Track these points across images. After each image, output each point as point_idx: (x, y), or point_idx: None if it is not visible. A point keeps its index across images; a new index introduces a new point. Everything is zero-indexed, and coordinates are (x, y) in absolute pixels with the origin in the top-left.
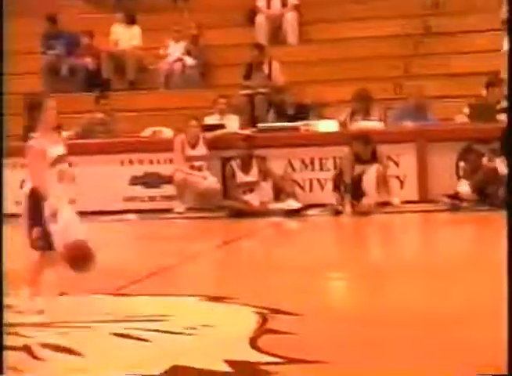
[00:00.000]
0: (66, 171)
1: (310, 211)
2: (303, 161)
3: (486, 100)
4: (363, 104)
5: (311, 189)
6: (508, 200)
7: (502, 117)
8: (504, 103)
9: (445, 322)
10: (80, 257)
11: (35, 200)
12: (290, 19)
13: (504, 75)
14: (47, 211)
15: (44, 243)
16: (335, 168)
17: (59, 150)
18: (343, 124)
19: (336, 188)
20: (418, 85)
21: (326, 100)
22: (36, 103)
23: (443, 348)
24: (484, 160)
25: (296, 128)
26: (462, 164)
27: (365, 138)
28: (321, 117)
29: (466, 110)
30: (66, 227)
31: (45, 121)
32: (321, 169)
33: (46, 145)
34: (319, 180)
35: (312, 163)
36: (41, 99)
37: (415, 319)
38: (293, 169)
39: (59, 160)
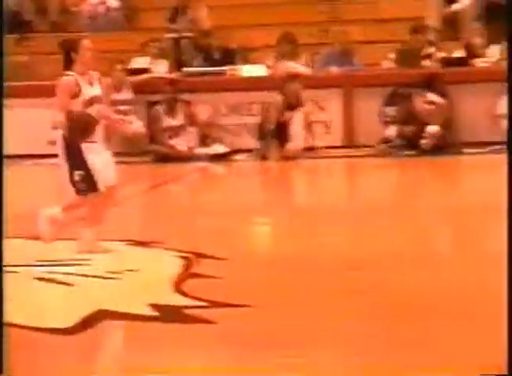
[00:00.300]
0: (104, 111)
1: (236, 156)
2: (229, 106)
3: (411, 46)
4: (290, 47)
5: (237, 134)
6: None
7: (427, 63)
8: (429, 49)
9: (369, 266)
10: (82, 122)
11: (70, 143)
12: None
13: (429, 21)
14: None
15: (86, 185)
16: (262, 112)
17: (96, 90)
18: (271, 68)
19: (261, 137)
20: (344, 30)
21: (252, 45)
22: (72, 43)
23: (366, 292)
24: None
25: (222, 73)
26: (387, 109)
27: (297, 79)
28: (247, 61)
29: (392, 56)
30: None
31: (81, 62)
32: (248, 114)
33: (79, 83)
34: (245, 125)
35: (239, 108)
36: (77, 39)
37: (340, 264)
38: (220, 114)
39: (94, 100)
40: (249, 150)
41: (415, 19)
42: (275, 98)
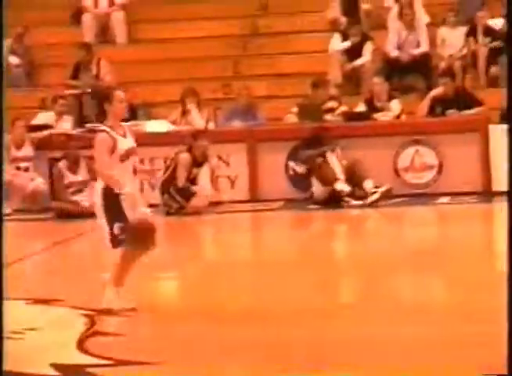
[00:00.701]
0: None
1: None
2: None
3: (312, 100)
4: (194, 101)
5: (141, 190)
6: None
7: (329, 117)
8: (330, 104)
9: (272, 319)
10: (143, 233)
11: (110, 196)
12: (118, 18)
13: (330, 76)
14: (126, 202)
15: (126, 236)
16: (166, 168)
17: (130, 142)
18: (175, 124)
19: (165, 192)
20: (247, 86)
21: (155, 100)
22: (105, 94)
23: (269, 345)
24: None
25: None
26: (292, 163)
27: (204, 135)
28: (150, 117)
29: (295, 110)
30: None
31: (115, 113)
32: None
33: (114, 137)
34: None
35: (142, 163)
36: (110, 90)
37: (245, 316)
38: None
39: (130, 152)
40: (152, 205)
41: (318, 74)
42: (183, 155)
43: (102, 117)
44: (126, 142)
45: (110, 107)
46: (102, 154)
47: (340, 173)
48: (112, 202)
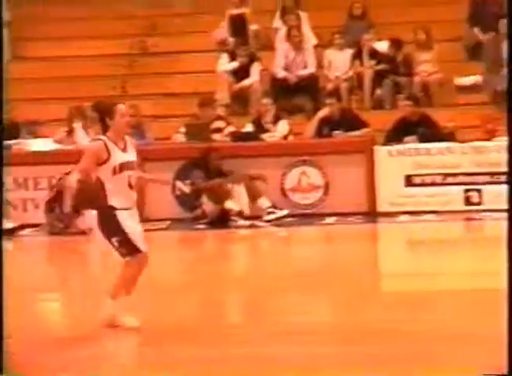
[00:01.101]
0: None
1: (23, 231)
2: (16, 180)
3: (200, 120)
4: (81, 121)
5: (24, 209)
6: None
7: (217, 137)
8: (218, 123)
9: (158, 338)
10: None
11: (104, 212)
12: (2, 35)
13: (218, 96)
14: (121, 216)
15: (126, 249)
16: (51, 188)
17: (129, 156)
18: (60, 142)
19: (50, 212)
20: (134, 105)
21: (39, 119)
22: (107, 108)
23: (162, 362)
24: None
25: (8, 147)
26: (179, 183)
27: None
28: (34, 135)
29: (183, 130)
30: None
31: (116, 128)
32: (35, 188)
33: (109, 149)
34: (33, 200)
35: (26, 182)
36: (113, 104)
37: (130, 336)
38: (6, 189)
39: (126, 166)
40: (36, 225)
41: (205, 93)
42: (70, 178)
43: (104, 131)
44: (123, 156)
45: (111, 121)
46: (87, 158)
47: (242, 193)
48: (105, 217)
